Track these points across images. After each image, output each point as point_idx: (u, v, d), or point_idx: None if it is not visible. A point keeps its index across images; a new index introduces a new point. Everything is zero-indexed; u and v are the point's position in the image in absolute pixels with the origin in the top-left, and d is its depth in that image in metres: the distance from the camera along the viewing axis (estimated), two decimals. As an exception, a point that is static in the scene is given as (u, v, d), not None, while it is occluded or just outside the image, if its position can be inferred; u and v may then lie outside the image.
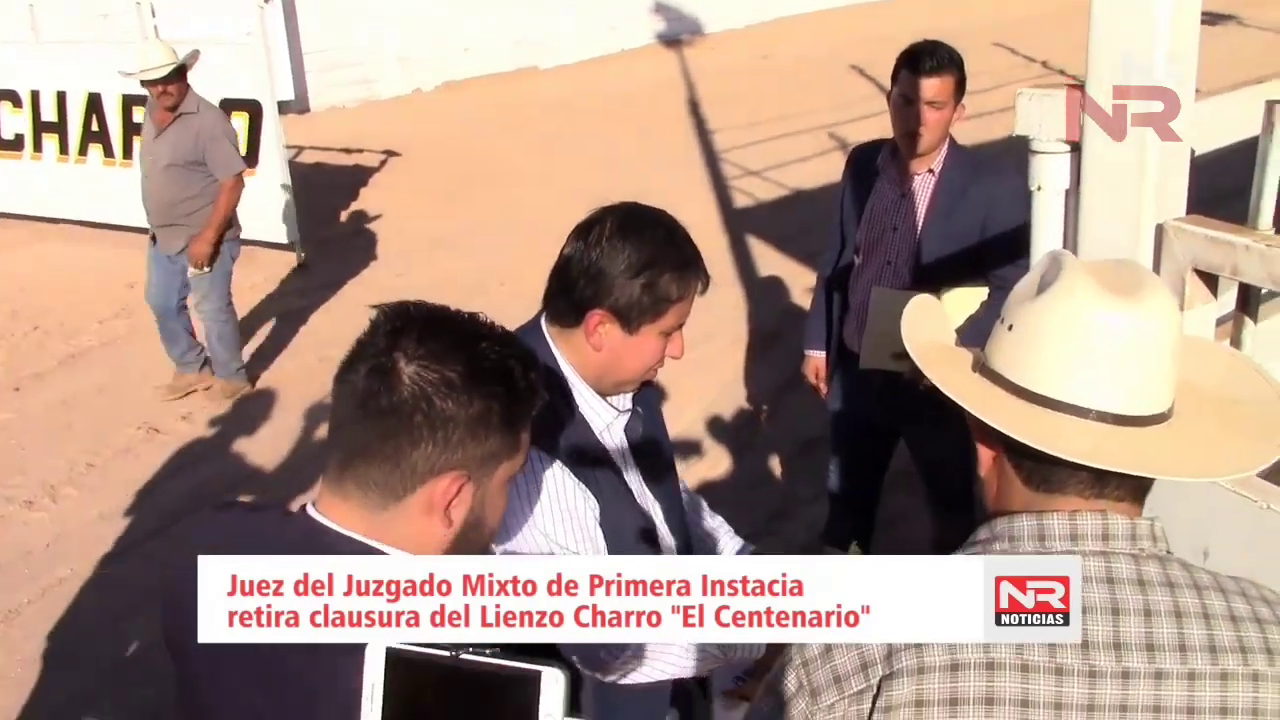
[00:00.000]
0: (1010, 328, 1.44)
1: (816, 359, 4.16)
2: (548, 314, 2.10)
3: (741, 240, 8.50)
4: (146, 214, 6.23)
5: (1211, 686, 1.26)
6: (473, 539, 1.47)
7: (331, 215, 9.49)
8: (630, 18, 15.28)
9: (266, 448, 5.86)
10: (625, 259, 1.98)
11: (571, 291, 2.01)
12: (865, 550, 4.07)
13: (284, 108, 12.31)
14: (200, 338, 6.47)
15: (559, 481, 1.98)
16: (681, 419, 5.88)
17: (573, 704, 1.06)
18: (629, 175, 9.45)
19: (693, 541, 2.48)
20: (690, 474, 5.45)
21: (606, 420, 2.12)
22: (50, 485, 5.60)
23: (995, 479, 1.47)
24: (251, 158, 8.36)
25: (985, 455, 1.47)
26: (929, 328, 1.62)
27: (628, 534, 2.10)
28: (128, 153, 8.75)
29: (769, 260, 7.97)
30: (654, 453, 2.27)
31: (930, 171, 3.69)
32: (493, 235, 8.82)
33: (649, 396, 2.30)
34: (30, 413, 6.41)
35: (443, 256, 8.48)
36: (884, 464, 4.19)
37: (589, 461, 2.05)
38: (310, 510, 1.44)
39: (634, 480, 2.18)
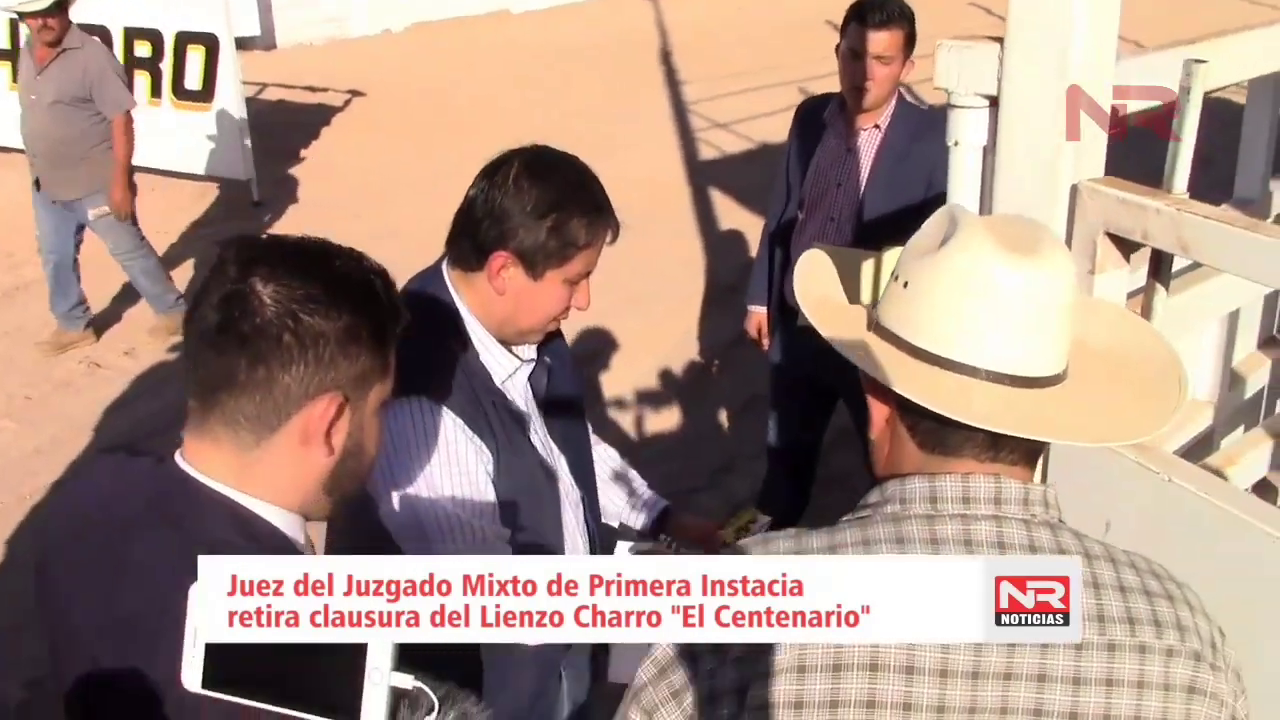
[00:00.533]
0: (905, 284, 1.40)
1: (758, 314, 4.12)
2: (450, 257, 2.04)
3: (704, 193, 8.43)
4: (30, 156, 5.94)
5: (1099, 657, 1.23)
6: (352, 468, 1.41)
7: (291, 154, 9.33)
8: (607, -37, 15.06)
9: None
10: (532, 200, 1.92)
11: (475, 233, 1.95)
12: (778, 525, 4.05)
13: (249, 44, 12.13)
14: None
15: (449, 432, 1.93)
16: (633, 371, 5.85)
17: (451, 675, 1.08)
18: (595, 124, 9.35)
19: (613, 499, 2.43)
20: (639, 427, 5.42)
21: (509, 369, 2.06)
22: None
23: (887, 441, 1.44)
24: (207, 92, 8.22)
25: (878, 416, 1.44)
26: (822, 284, 1.58)
27: (527, 487, 2.05)
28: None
29: (731, 214, 7.90)
30: (562, 405, 2.22)
31: (876, 127, 3.63)
32: (453, 181, 8.60)
33: (560, 348, 2.24)
34: (-29, 345, 6.31)
35: (402, 201, 8.36)
36: (823, 421, 4.15)
37: (486, 412, 1.99)
38: (178, 459, 1.36)
39: (538, 432, 2.13)
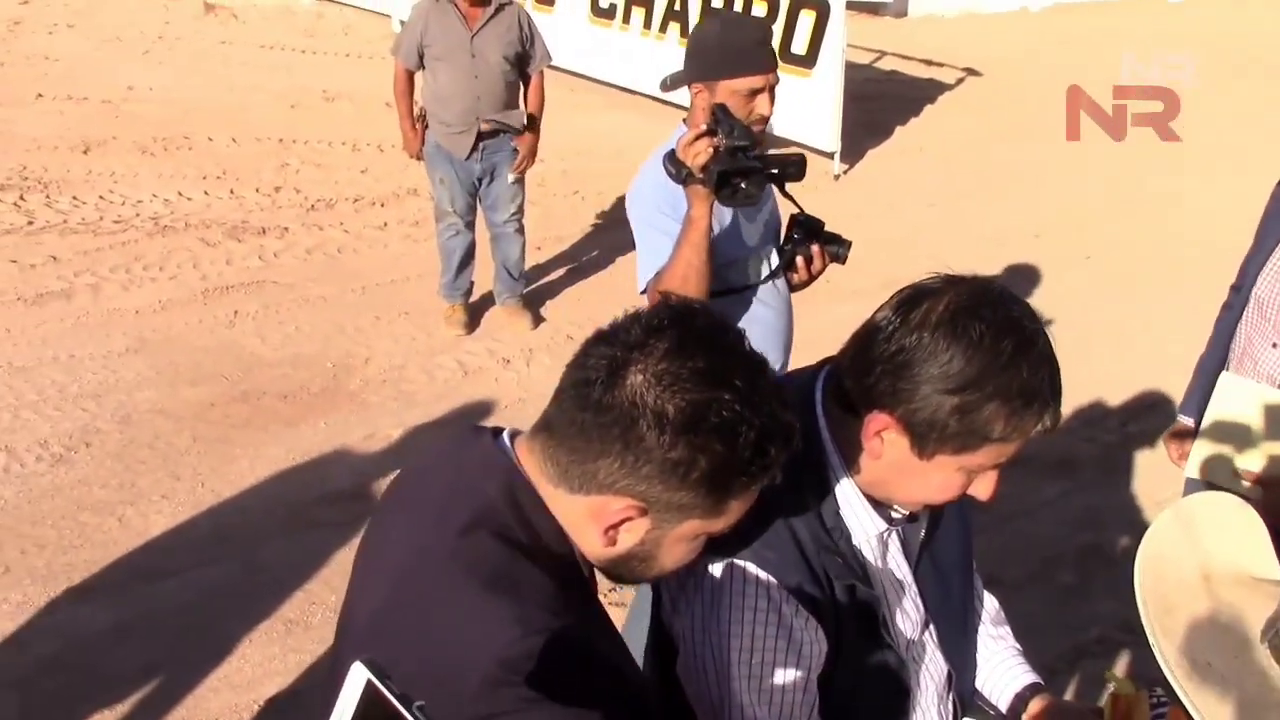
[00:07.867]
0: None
1: (1181, 427, 3.07)
2: (833, 382, 1.59)
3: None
4: (466, 119, 5.61)
5: None
6: (637, 569, 1.38)
7: (884, 130, 9.11)
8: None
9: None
10: (942, 364, 1.44)
11: (865, 374, 1.50)
12: None
13: (881, 9, 12.06)
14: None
15: (774, 615, 1.52)
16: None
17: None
18: (1201, 134, 8.19)
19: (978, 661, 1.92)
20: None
21: (873, 530, 1.62)
22: (529, 350, 5.83)
23: None
24: (810, 58, 8.20)
25: None
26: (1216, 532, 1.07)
27: (874, 673, 1.62)
28: (703, 36, 8.90)
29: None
30: (942, 558, 1.75)
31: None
32: (1043, 181, 8.04)
33: None
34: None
35: (980, 195, 7.88)
36: None
37: (832, 589, 1.56)
38: (505, 440, 1.39)
39: (907, 597, 1.68)
